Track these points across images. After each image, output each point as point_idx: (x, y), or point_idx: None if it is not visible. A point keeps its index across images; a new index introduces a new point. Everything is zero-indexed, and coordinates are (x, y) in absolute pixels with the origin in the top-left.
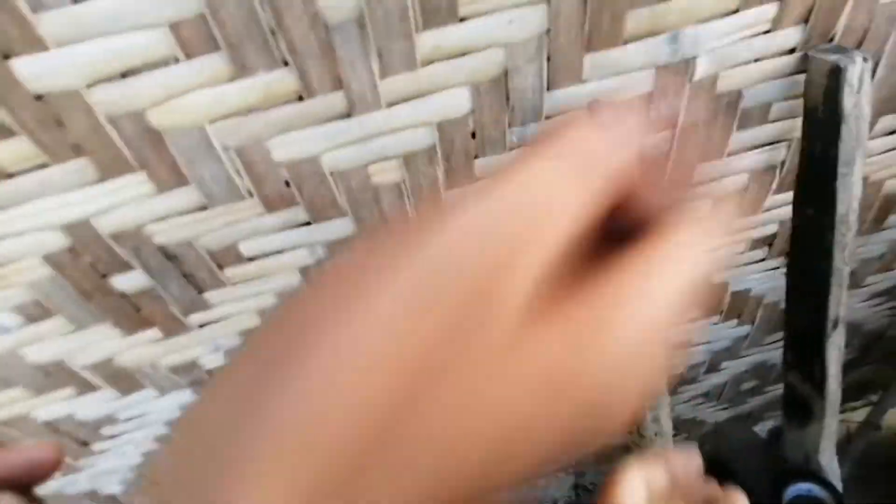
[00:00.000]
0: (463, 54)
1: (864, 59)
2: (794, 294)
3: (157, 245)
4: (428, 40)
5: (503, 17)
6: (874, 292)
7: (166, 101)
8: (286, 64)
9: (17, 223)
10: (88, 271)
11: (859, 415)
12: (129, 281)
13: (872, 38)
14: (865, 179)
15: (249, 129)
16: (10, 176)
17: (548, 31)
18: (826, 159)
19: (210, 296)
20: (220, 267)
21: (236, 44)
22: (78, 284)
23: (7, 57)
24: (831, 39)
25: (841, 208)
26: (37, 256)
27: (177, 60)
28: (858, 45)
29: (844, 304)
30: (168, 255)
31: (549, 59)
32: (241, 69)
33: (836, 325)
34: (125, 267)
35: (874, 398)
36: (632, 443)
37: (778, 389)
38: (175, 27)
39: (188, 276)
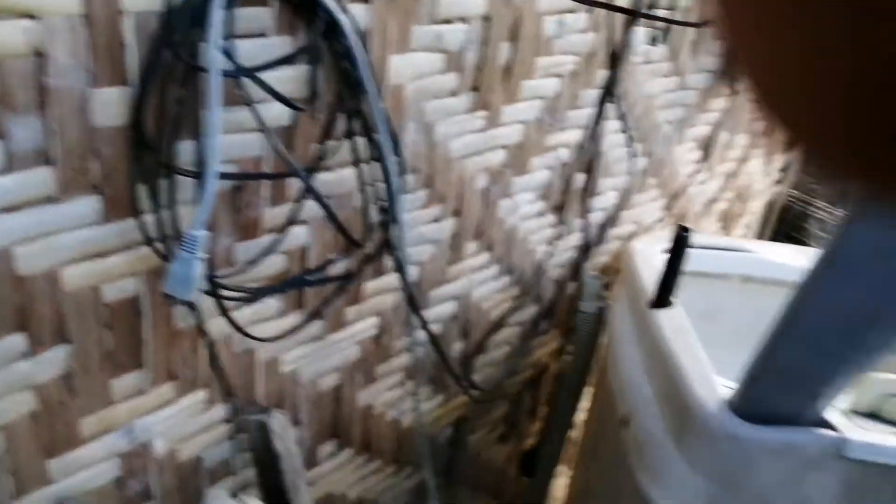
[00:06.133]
0: None
1: (281, 413)
2: None
3: None
4: None
5: None
6: None
7: None
8: None
9: None
10: None
11: None
12: None
13: (288, 395)
14: (329, 495)
15: None
16: None
17: (7, 449)
18: (278, 491)
19: None
20: None
21: None
22: None
23: None
24: (256, 403)
25: None
26: None
27: None
28: (278, 404)
29: None
30: None
31: (13, 473)
32: None
33: None
34: None
35: None
36: None
37: None
38: None
39: None
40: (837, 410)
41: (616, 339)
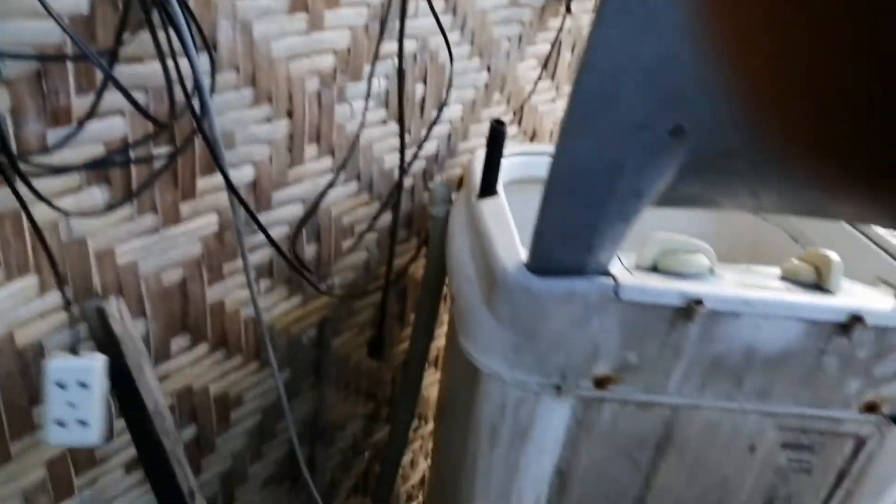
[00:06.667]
0: None
1: (117, 299)
2: (154, 477)
3: None
4: None
5: None
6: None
7: None
8: None
9: None
10: None
11: None
12: None
13: (128, 286)
14: (188, 388)
15: None
16: None
17: None
18: (122, 371)
19: None
20: None
21: None
22: None
23: None
24: (93, 292)
25: (150, 404)
26: None
27: None
28: (119, 291)
29: (191, 476)
30: None
31: None
32: None
33: (192, 495)
34: None
35: None
36: None
37: None
38: None
39: None
40: (622, 265)
41: (452, 233)
